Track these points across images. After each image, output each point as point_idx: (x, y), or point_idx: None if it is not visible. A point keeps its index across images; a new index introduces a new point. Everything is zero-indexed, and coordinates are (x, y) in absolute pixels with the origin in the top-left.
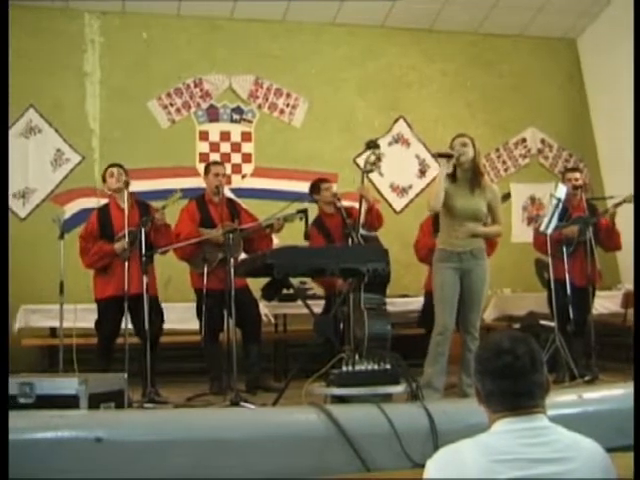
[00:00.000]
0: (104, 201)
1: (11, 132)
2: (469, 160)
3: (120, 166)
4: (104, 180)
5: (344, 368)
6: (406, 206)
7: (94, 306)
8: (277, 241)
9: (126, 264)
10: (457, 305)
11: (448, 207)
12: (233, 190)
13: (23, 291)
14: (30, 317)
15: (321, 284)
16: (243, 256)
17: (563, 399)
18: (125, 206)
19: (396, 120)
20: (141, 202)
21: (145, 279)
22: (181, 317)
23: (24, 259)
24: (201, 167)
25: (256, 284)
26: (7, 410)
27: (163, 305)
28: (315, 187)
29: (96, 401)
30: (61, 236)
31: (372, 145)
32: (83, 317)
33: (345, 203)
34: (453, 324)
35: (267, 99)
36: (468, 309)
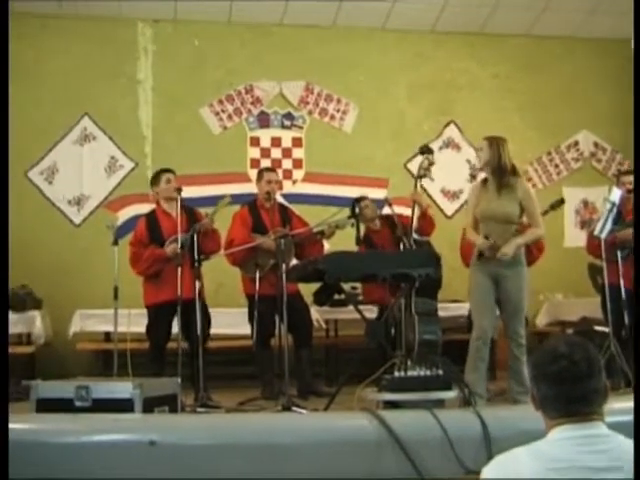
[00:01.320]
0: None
1: (66, 140)
2: (485, 163)
3: (174, 172)
4: (155, 184)
5: (396, 373)
6: (457, 211)
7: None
8: (328, 247)
9: (179, 269)
10: (497, 310)
11: (477, 212)
12: (284, 196)
13: (78, 296)
14: (85, 322)
15: (369, 297)
16: (295, 262)
17: (619, 406)
18: (176, 212)
19: (446, 124)
20: (187, 208)
21: (198, 284)
22: (232, 322)
23: (79, 265)
24: (252, 173)
25: (307, 289)
26: (7, 411)
27: (214, 310)
28: (354, 207)
29: (150, 405)
30: (115, 242)
31: (425, 150)
32: (137, 322)
33: (396, 209)
34: (491, 328)
35: (317, 105)
36: (508, 316)
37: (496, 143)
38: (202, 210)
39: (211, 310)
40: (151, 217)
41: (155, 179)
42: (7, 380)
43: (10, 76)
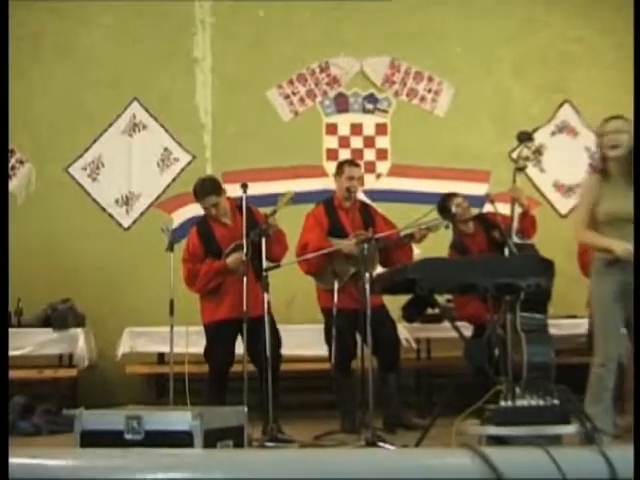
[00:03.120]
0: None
1: (112, 130)
2: (625, 152)
3: (214, 181)
4: (200, 201)
5: (502, 403)
6: (573, 209)
7: None
8: (418, 252)
9: (244, 280)
10: (625, 329)
11: (600, 211)
12: (366, 192)
13: (127, 311)
14: (136, 341)
15: (463, 312)
16: (379, 270)
17: None
18: (230, 217)
19: (560, 105)
20: (241, 208)
21: (266, 297)
22: (307, 341)
23: (128, 275)
24: (329, 166)
25: (394, 303)
26: (7, 411)
27: (285, 328)
28: (443, 206)
29: (212, 439)
30: (170, 248)
31: (524, 137)
32: (196, 341)
33: (500, 207)
34: (617, 352)
35: (405, 84)
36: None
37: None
38: (265, 210)
39: (281, 327)
40: (203, 226)
41: (198, 197)
42: (7, 381)
43: (50, 56)
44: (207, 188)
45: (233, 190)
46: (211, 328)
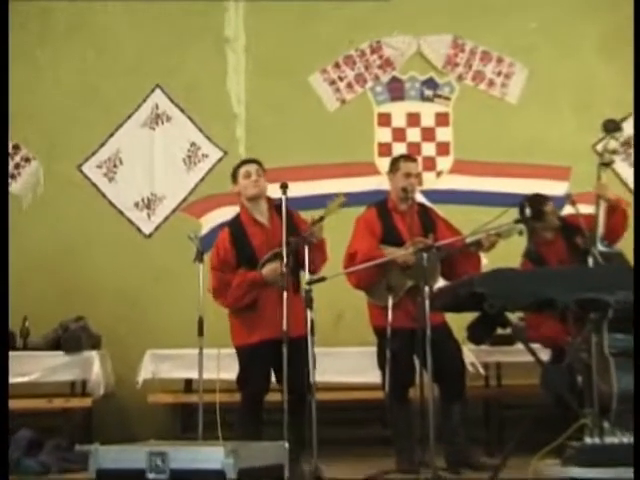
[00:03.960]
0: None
1: (132, 121)
2: None
3: (258, 163)
4: (234, 181)
5: (587, 440)
6: None
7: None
8: (486, 262)
9: (285, 295)
10: None
11: None
12: (425, 193)
13: (149, 332)
14: (159, 366)
15: (537, 332)
16: (441, 283)
17: None
18: (264, 218)
19: None
20: (280, 210)
21: (310, 315)
22: (356, 366)
23: (150, 289)
24: (381, 162)
25: (459, 321)
26: (7, 411)
27: (332, 350)
28: (537, 210)
29: (248, 479)
30: (199, 258)
31: (611, 127)
32: (229, 365)
33: (582, 210)
34: None
35: (470, 67)
36: None
37: None
38: (306, 215)
39: (326, 350)
40: (235, 227)
41: (233, 174)
42: (7, 382)
43: (60, 36)
44: (249, 159)
45: (270, 191)
46: (245, 351)
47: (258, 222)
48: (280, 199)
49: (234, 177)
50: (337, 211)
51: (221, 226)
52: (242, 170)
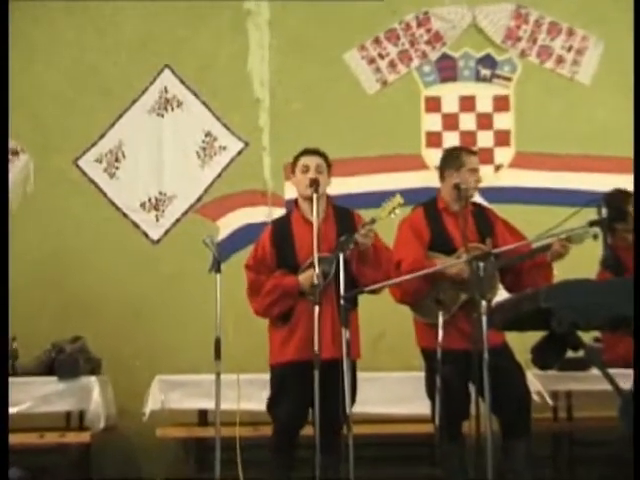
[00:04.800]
0: (278, 212)
1: (136, 108)
2: None
3: (322, 155)
4: (292, 173)
5: None
6: None
7: (267, 377)
8: (555, 272)
9: (316, 310)
10: None
11: None
12: (481, 190)
13: (158, 354)
14: (169, 394)
15: (613, 354)
16: (502, 296)
17: None
18: (316, 218)
19: None
20: (341, 211)
21: (347, 334)
22: (399, 394)
23: (159, 304)
24: (430, 155)
25: (522, 342)
26: (7, 410)
27: (371, 375)
28: (618, 209)
29: None
30: (215, 268)
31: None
32: (251, 394)
33: None
34: None
35: (535, 41)
36: None
37: None
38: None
39: (367, 375)
40: (281, 226)
41: (293, 163)
42: (7, 382)
43: (56, 11)
44: (311, 149)
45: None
46: (276, 371)
47: (308, 221)
48: (339, 197)
49: (292, 167)
50: (392, 214)
51: (242, 230)
52: (300, 162)
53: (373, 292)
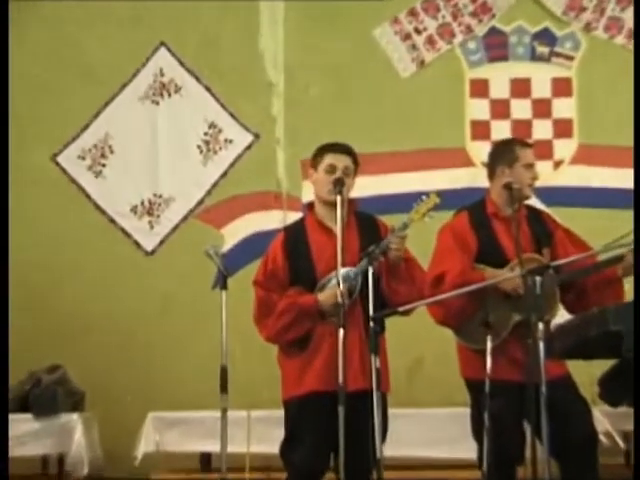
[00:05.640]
0: (295, 217)
1: (126, 94)
2: None
3: (350, 153)
4: (313, 169)
5: None
6: None
7: (281, 414)
8: (626, 288)
9: (340, 333)
10: None
11: None
12: (538, 191)
13: (153, 386)
14: (165, 434)
15: None
16: (562, 317)
17: None
18: (341, 224)
19: None
20: (364, 217)
21: (376, 362)
22: (439, 434)
23: (154, 325)
24: (474, 148)
25: (587, 372)
26: (7, 411)
27: (407, 412)
28: None
29: None
30: (221, 284)
31: None
32: (263, 434)
33: None
34: None
35: (602, 12)
36: None
37: None
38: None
39: (401, 411)
40: (294, 232)
41: (313, 158)
42: (7, 381)
43: None
44: (340, 145)
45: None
46: (292, 407)
47: (327, 228)
48: (360, 200)
49: (313, 162)
50: (425, 217)
51: (251, 240)
52: (325, 160)
53: (405, 313)
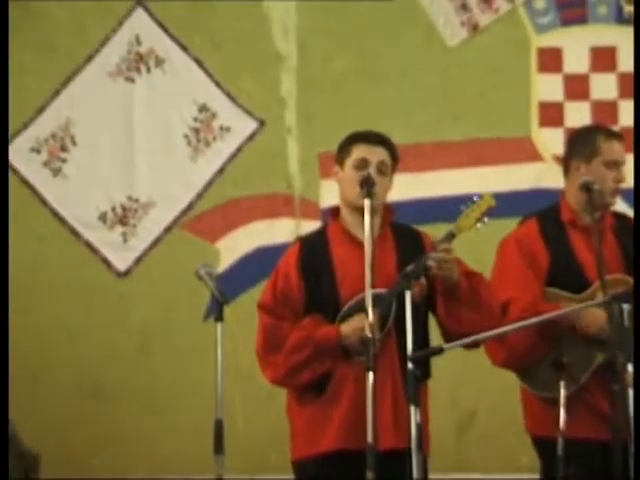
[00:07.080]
0: (310, 226)
1: (92, 68)
2: None
3: (388, 144)
4: (340, 165)
5: None
6: None
7: None
8: None
9: (370, 377)
10: None
11: None
12: (626, 194)
13: (126, 447)
14: None
15: None
16: None
17: None
18: (369, 235)
19: None
20: (403, 230)
21: (415, 416)
22: None
23: (129, 370)
24: (542, 138)
25: None
26: (7, 411)
27: (459, 477)
28: None
29: None
30: (215, 313)
31: None
32: None
33: None
34: None
35: None
36: None
37: None
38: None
39: (450, 477)
40: (314, 246)
41: (340, 150)
42: (7, 380)
43: None
44: (374, 135)
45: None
46: (306, 470)
47: (356, 241)
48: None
49: (339, 156)
50: (478, 224)
51: (258, 254)
52: (355, 152)
53: (473, 347)
